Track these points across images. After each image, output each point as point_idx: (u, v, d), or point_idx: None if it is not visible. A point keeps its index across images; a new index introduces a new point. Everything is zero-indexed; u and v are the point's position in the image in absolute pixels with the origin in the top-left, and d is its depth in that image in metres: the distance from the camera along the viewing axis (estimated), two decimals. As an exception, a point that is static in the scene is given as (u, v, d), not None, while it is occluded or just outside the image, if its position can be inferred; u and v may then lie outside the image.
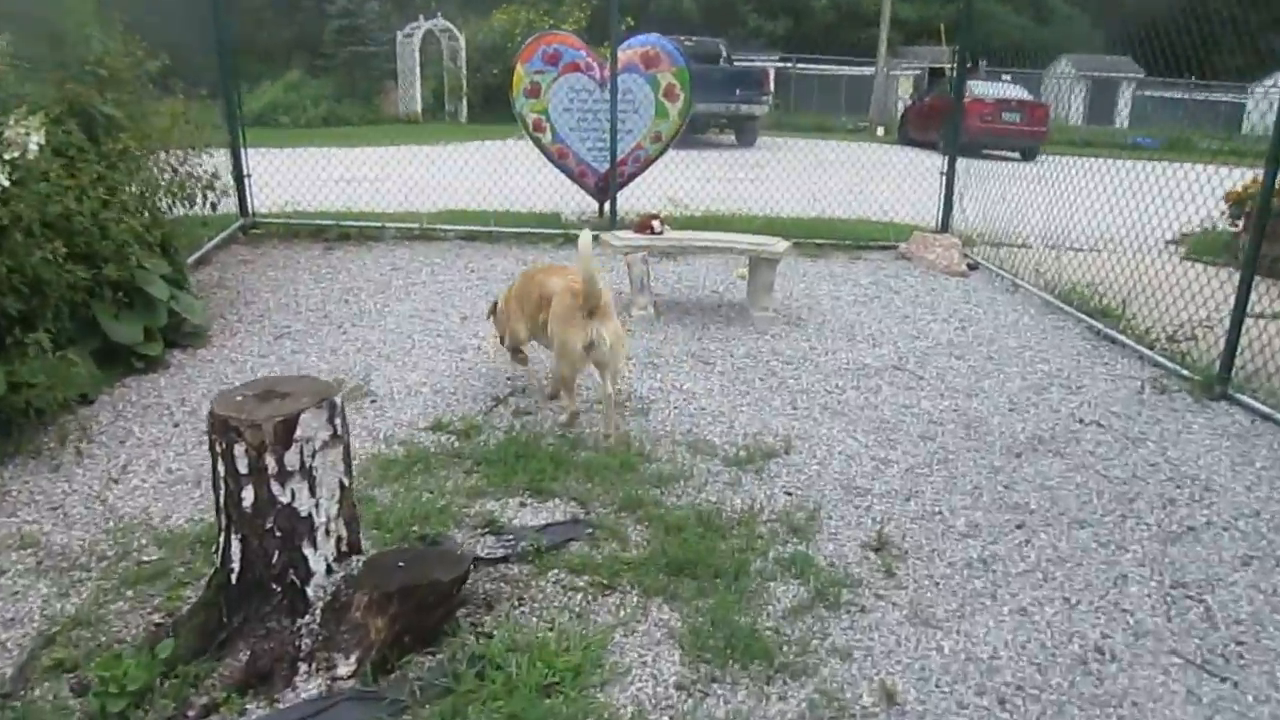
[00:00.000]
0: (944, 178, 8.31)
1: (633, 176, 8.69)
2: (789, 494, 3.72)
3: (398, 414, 4.45)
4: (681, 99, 8.34)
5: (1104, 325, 6.13)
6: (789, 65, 28.06)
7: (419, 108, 24.45)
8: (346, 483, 2.57)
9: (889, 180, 9.36)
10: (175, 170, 5.74)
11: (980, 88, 17.31)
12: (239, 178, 7.74)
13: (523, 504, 3.50)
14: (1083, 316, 6.38)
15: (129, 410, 4.48)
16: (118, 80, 5.01)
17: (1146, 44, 6.92)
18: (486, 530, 3.24)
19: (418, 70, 24.47)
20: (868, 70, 28.07)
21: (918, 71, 29.81)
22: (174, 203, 5.65)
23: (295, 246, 7.73)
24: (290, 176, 8.95)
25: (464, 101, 24.73)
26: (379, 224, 8.05)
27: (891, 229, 8.85)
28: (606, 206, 8.88)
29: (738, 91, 18.11)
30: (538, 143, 8.57)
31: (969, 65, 8.28)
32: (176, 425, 4.31)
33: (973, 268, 7.70)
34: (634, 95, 8.32)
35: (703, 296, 6.70)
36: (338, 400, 2.51)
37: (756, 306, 6.11)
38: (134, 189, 4.89)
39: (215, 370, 5.03)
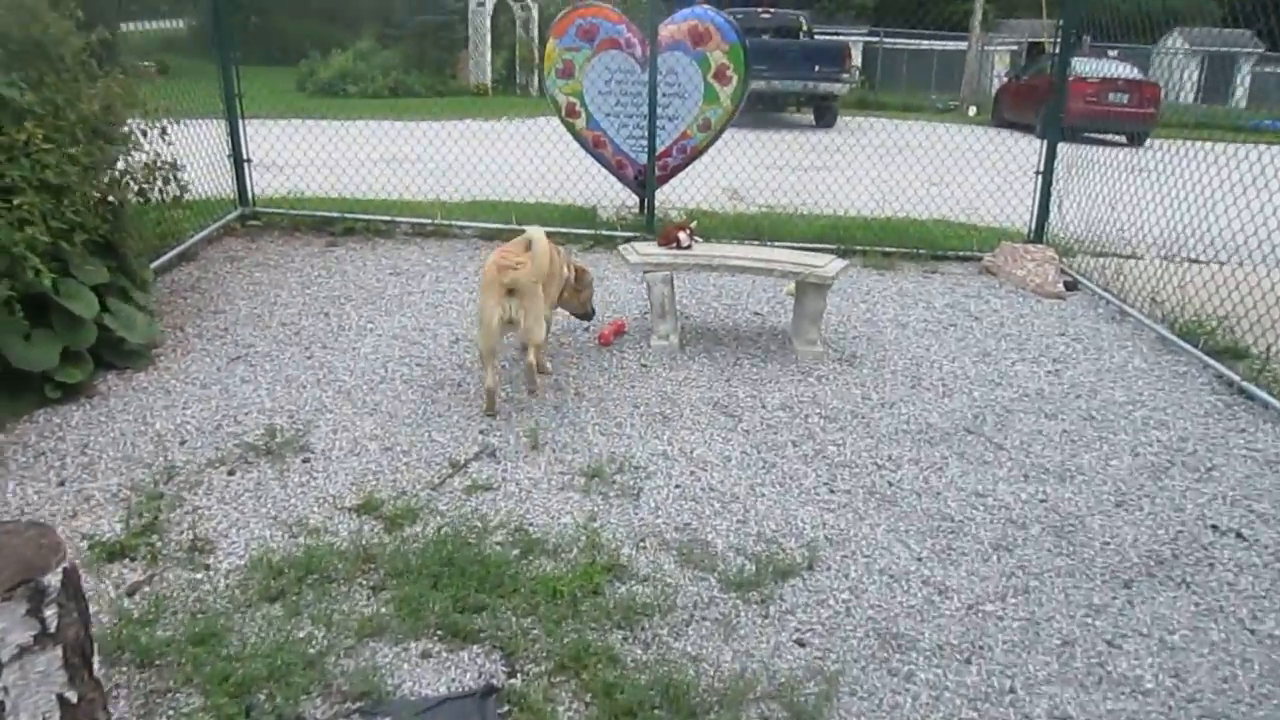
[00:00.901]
0: (1040, 177, 7.04)
1: (677, 169, 7.65)
2: (801, 644, 2.72)
3: (326, 483, 3.58)
4: (735, 81, 7.26)
5: (1239, 375, 4.89)
6: (877, 39, 26.36)
7: (488, 79, 23.72)
8: (74, 697, 1.68)
9: (977, 170, 8.09)
10: (124, 158, 4.96)
11: (1084, 65, 15.62)
12: (237, 162, 6.99)
13: (427, 653, 2.58)
14: (1210, 361, 5.14)
15: (19, 456, 3.71)
16: (25, 55, 4.22)
17: (1273, 15, 5.58)
18: (356, 707, 2.32)
19: (489, 40, 23.71)
20: (961, 45, 26.20)
21: (1015, 47, 27.75)
22: (121, 196, 4.88)
23: (295, 241, 6.95)
24: (329, 155, 8.15)
25: (535, 73, 23.87)
26: (388, 218, 7.20)
27: (975, 235, 7.62)
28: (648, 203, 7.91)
29: (816, 68, 16.79)
30: (571, 129, 7.60)
31: (1073, 41, 6.98)
32: (61, 484, 3.53)
33: (1071, 287, 6.47)
34: (679, 77, 7.27)
35: (740, 320, 5.66)
36: (52, 581, 1.61)
37: (802, 339, 5.06)
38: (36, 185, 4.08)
39: (143, 403, 4.24)
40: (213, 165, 6.82)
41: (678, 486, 3.65)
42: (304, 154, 7.98)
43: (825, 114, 17.50)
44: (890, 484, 3.73)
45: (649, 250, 5.10)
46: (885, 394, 4.63)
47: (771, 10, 19.06)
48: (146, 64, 19.82)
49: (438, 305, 5.75)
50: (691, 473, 3.77)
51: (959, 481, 3.77)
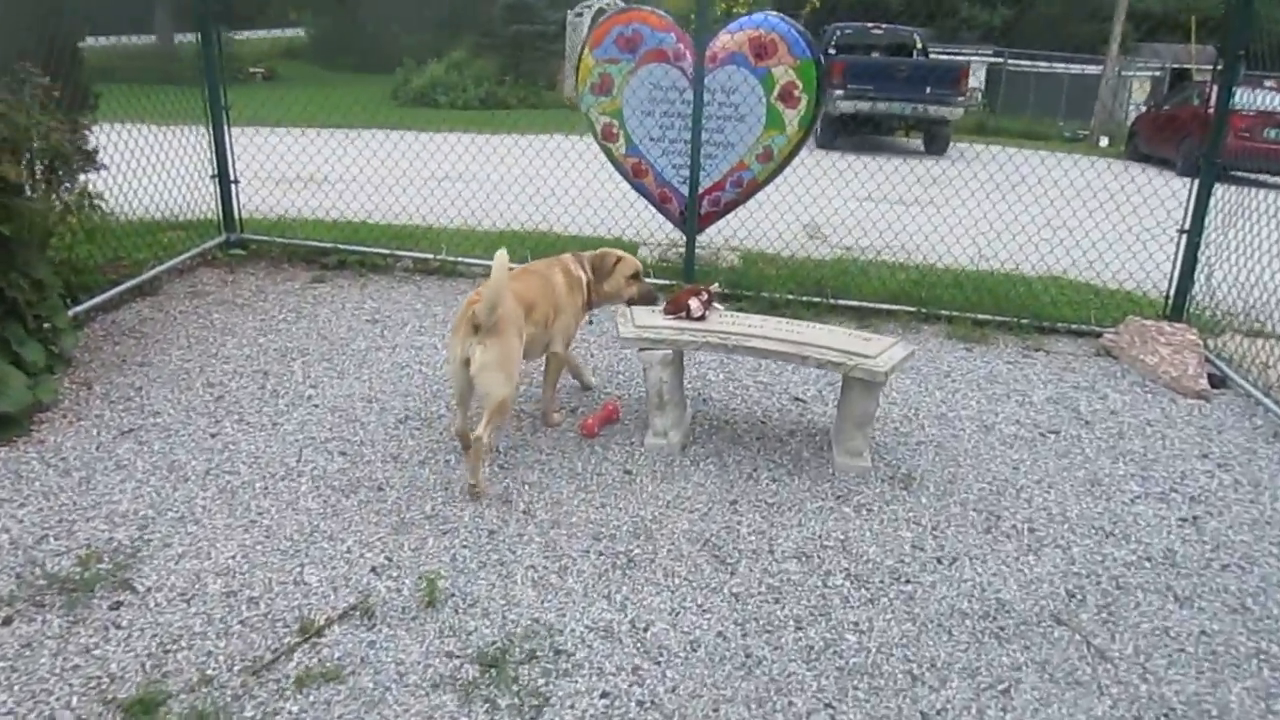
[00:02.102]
0: (1184, 237, 5.55)
1: (731, 207, 6.48)
2: None
3: (117, 650, 2.58)
4: (803, 104, 6.04)
5: None
6: (1001, 59, 24.42)
7: (583, 92, 22.93)
8: None
9: (1105, 212, 6.64)
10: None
11: (1238, 96, 13.66)
12: (223, 182, 6.16)
13: None
14: None
15: None
16: None
17: None
18: None
19: (586, 52, 22.95)
20: (1094, 69, 24.03)
21: (1156, 73, 25.34)
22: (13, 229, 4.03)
23: (278, 275, 6.07)
24: (379, 171, 7.27)
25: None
26: (388, 250, 6.26)
27: (1095, 302, 6.18)
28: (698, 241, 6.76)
29: (928, 90, 15.31)
30: (609, 154, 6.52)
31: (1237, 66, 5.47)
32: None
33: (1218, 384, 4.99)
34: (736, 97, 6.10)
35: (773, 410, 4.45)
36: None
37: (843, 448, 3.82)
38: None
39: (-26, 495, 3.34)
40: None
41: (605, 697, 2.50)
42: (354, 169, 7.09)
43: (936, 140, 15.97)
44: (924, 716, 2.48)
45: (649, 321, 3.95)
46: (945, 541, 3.36)
47: (883, 26, 17.64)
48: (255, 70, 19.54)
49: (404, 366, 4.73)
50: (634, 670, 2.61)
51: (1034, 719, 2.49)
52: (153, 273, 5.58)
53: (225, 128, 6.05)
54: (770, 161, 6.25)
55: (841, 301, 5.80)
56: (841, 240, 7.57)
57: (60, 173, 5.28)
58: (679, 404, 4.00)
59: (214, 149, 6.04)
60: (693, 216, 6.08)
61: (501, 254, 3.44)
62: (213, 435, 3.92)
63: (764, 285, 5.93)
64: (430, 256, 6.28)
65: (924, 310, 5.70)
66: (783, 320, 4.06)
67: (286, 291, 5.76)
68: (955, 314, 5.70)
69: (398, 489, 3.56)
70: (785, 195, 6.66)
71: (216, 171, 6.11)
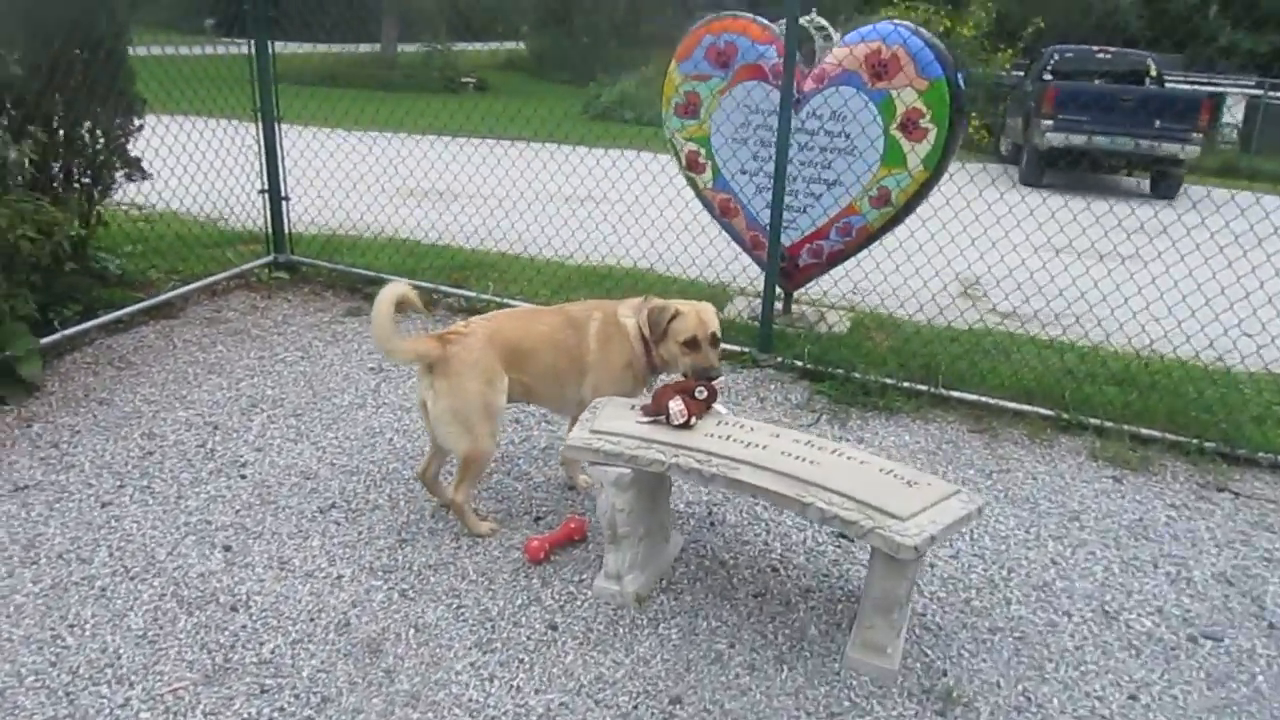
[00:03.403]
0: None
1: (836, 259, 5.29)
2: None
3: None
4: (932, 136, 4.79)
5: None
6: (1261, 92, 20.96)
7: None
8: None
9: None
10: None
11: None
12: (274, 199, 5.69)
13: None
14: None
15: None
16: None
17: None
18: None
19: (783, 71, 21.88)
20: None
21: None
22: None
23: (313, 304, 5.50)
24: (501, 185, 6.62)
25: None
26: (431, 286, 5.55)
27: (1327, 422, 4.48)
28: (794, 295, 5.66)
29: (1158, 124, 13.08)
30: (694, 186, 5.52)
31: None
32: None
33: None
34: (849, 124, 4.94)
35: (800, 549, 3.31)
36: None
37: (859, 638, 2.65)
38: None
39: None
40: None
41: None
42: (485, 184, 6.48)
43: (1164, 181, 13.63)
44: None
45: (612, 424, 2.93)
46: (970, 835, 2.14)
47: (1111, 50, 15.41)
48: (466, 79, 19.80)
49: (377, 432, 3.96)
50: None
51: None
52: (172, 294, 5.15)
53: (277, 140, 5.56)
54: (886, 206, 5.02)
55: (956, 393, 4.50)
56: (1003, 302, 6.12)
57: (98, 180, 5.00)
58: (648, 539, 2.97)
59: (264, 162, 5.57)
60: (773, 266, 4.95)
61: (391, 287, 3.06)
62: (103, 505, 3.30)
63: (858, 363, 4.72)
64: (475, 294, 5.51)
65: (1065, 416, 4.29)
66: (803, 437, 2.91)
67: (311, 325, 5.17)
68: (1109, 424, 4.25)
69: (250, 614, 2.76)
70: (950, 239, 5.32)
71: (267, 186, 5.63)
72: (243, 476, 3.55)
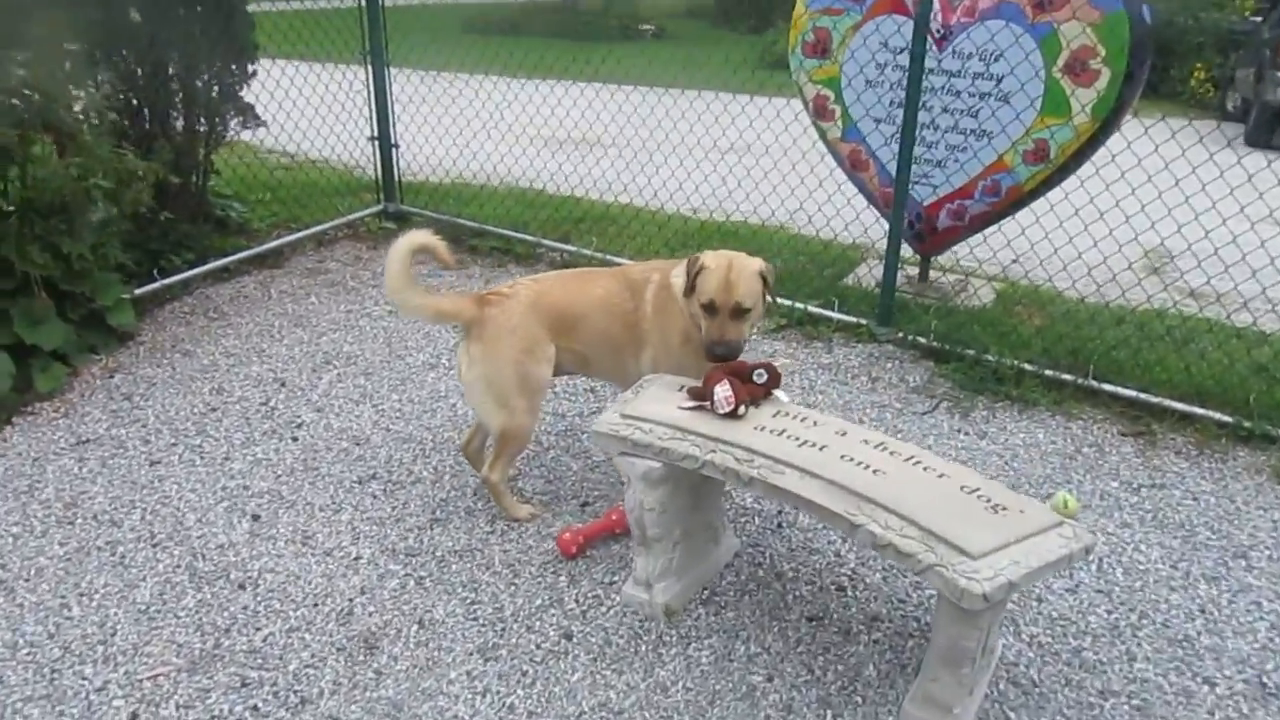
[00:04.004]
0: None
1: (981, 222, 4.59)
2: None
3: None
4: (1103, 81, 4.00)
5: None
6: None
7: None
8: None
9: None
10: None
11: None
12: (383, 146, 5.56)
13: None
14: None
15: None
16: None
17: None
18: None
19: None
20: None
21: None
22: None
23: (413, 258, 5.33)
24: (653, 136, 5.94)
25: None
26: (534, 240, 5.28)
27: None
28: (931, 261, 5.01)
29: None
30: (822, 135, 4.93)
31: None
32: None
33: None
34: (1000, 65, 4.21)
35: (877, 565, 2.79)
36: None
37: (920, 692, 2.16)
38: None
39: None
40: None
41: None
42: (637, 134, 5.85)
43: None
44: None
45: (647, 408, 2.53)
46: None
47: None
48: (645, 26, 19.58)
49: (442, 396, 3.74)
50: None
51: None
52: (276, 243, 5.14)
53: (387, 85, 5.41)
54: (1044, 163, 4.28)
55: (1109, 387, 3.78)
56: (1193, 280, 5.11)
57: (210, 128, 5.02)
58: (687, 541, 2.57)
59: (373, 108, 5.44)
60: (896, 226, 4.33)
61: (410, 235, 2.83)
62: (151, 464, 3.24)
63: (992, 344, 4.07)
64: (576, 249, 5.19)
65: (1248, 424, 3.49)
66: (876, 438, 2.40)
67: (407, 278, 5.01)
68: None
69: (255, 594, 2.59)
70: (1139, 207, 4.29)
71: (376, 134, 5.51)
72: (294, 439, 3.41)
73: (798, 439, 2.37)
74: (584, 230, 5.62)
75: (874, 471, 2.24)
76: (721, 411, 2.44)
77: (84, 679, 2.30)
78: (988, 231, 4.67)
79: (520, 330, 2.77)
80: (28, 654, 2.38)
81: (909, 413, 3.71)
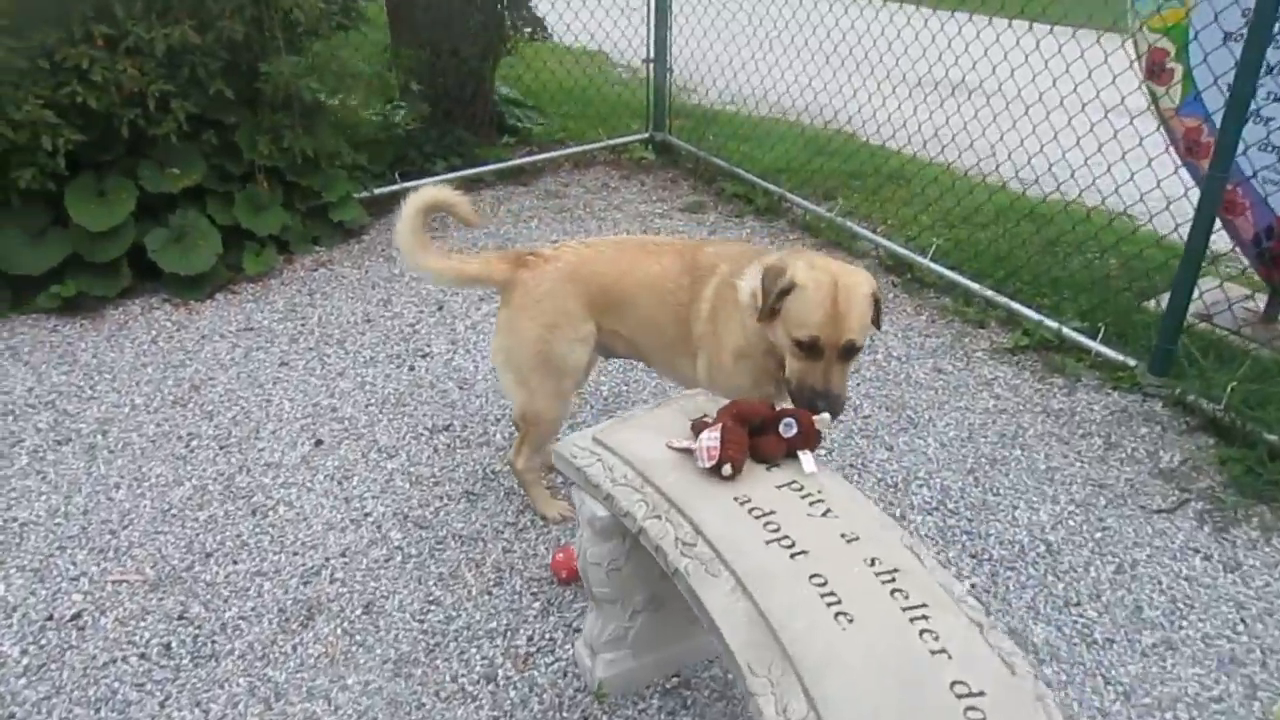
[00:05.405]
0: None
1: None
2: None
3: None
4: None
5: None
6: None
7: None
8: None
9: None
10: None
11: None
12: (659, 68, 5.20)
13: None
14: None
15: None
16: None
17: None
18: None
19: None
20: None
21: None
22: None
23: (656, 193, 4.92)
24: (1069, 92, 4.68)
25: None
26: (779, 192, 4.64)
27: None
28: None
29: None
30: (1153, 101, 3.67)
31: None
32: None
33: None
34: None
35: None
36: None
37: None
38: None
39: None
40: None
41: None
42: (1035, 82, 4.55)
43: None
44: None
45: (631, 436, 1.99)
46: None
47: None
48: None
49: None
50: None
51: None
52: (524, 160, 5.08)
53: (667, 4, 5.01)
54: None
55: None
56: None
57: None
58: (655, 612, 2.05)
59: (651, 27, 5.08)
60: (1197, 239, 3.09)
61: (424, 191, 2.44)
62: (280, 365, 3.37)
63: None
64: (810, 208, 4.47)
65: None
66: (903, 559, 1.66)
67: (639, 214, 4.69)
68: None
69: (256, 526, 2.55)
70: None
71: (653, 55, 5.16)
72: (411, 369, 3.33)
73: (775, 530, 1.73)
74: (856, 189, 4.85)
75: (846, 618, 1.55)
76: (701, 465, 1.86)
77: (73, 563, 2.41)
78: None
79: (547, 302, 2.35)
80: (57, 523, 2.55)
81: (1134, 505, 2.70)
